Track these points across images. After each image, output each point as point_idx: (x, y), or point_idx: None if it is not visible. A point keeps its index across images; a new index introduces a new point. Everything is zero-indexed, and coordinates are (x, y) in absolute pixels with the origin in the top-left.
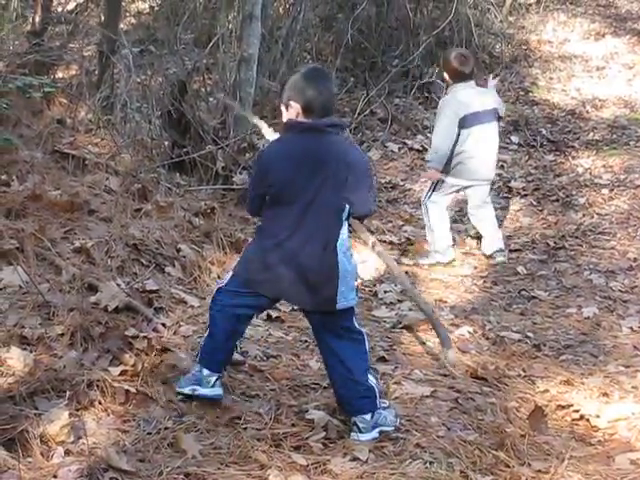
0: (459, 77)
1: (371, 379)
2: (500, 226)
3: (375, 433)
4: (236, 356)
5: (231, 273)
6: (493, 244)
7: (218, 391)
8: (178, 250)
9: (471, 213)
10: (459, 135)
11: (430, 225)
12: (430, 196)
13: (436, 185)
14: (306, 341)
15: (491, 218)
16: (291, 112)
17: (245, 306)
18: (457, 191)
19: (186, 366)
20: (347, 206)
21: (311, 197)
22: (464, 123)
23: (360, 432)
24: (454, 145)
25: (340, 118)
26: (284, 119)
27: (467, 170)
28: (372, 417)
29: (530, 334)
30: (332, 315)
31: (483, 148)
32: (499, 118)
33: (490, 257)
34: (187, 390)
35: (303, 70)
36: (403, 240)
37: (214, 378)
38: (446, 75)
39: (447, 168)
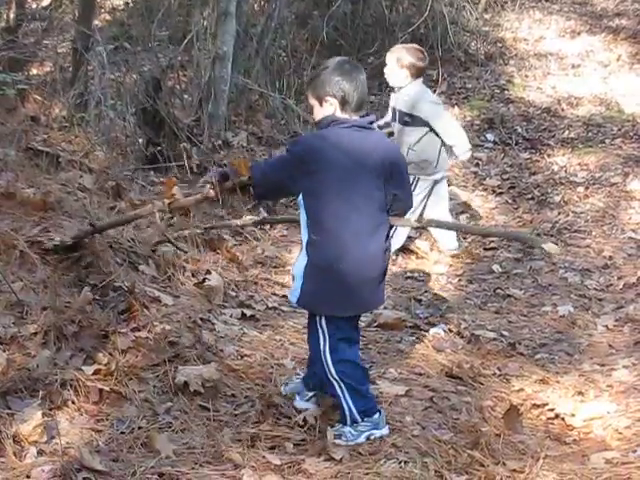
0: (419, 73)
1: None
2: (475, 224)
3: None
4: None
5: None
6: (454, 237)
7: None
8: (153, 250)
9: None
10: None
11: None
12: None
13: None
14: (280, 340)
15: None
16: (328, 108)
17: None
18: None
19: (158, 363)
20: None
21: (362, 190)
22: None
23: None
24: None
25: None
26: (318, 115)
27: (443, 159)
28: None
29: (505, 333)
30: None
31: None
32: None
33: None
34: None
35: (334, 64)
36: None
37: None
38: (403, 74)
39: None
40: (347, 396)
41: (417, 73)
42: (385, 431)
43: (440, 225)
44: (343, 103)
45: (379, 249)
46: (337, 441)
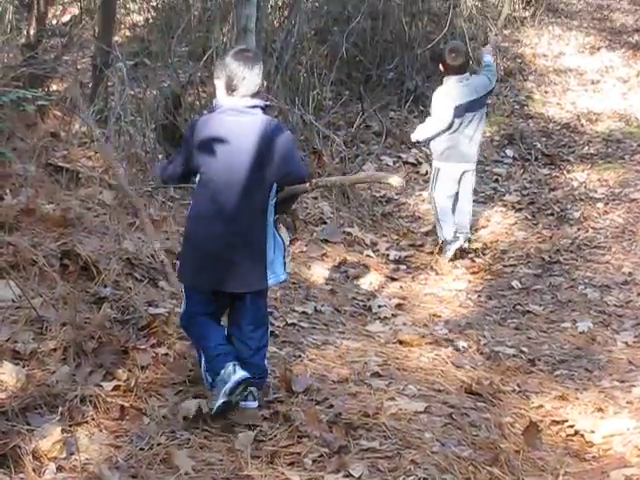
0: (451, 71)
1: None
2: (496, 240)
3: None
4: None
5: None
6: (452, 230)
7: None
8: (172, 264)
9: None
10: (452, 122)
11: (437, 215)
12: (434, 187)
13: (437, 176)
14: (300, 356)
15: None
16: (217, 91)
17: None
18: (456, 178)
19: (178, 380)
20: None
21: (234, 174)
22: (457, 112)
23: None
24: (446, 130)
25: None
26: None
27: (460, 155)
28: None
29: (525, 349)
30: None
31: (472, 135)
32: (490, 93)
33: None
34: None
35: (233, 50)
36: (398, 256)
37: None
38: (441, 67)
39: (439, 155)
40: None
41: (449, 70)
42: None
43: (327, 183)
44: (228, 87)
45: (245, 231)
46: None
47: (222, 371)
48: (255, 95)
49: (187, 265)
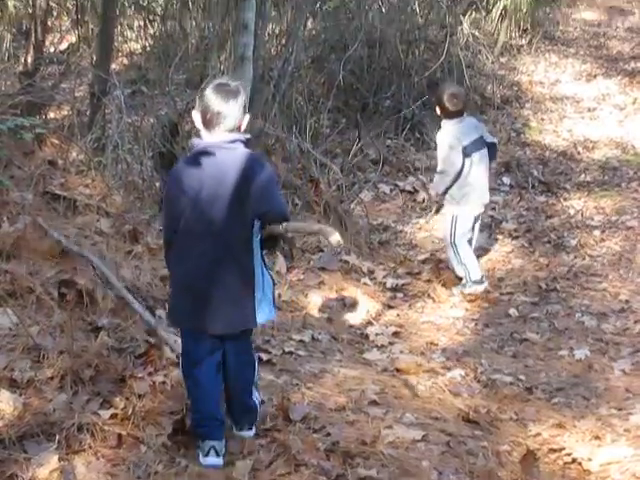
0: (449, 115)
1: None
2: (493, 268)
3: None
4: None
5: None
6: (479, 270)
7: None
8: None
9: (462, 241)
10: (463, 165)
11: (461, 260)
12: (455, 234)
13: (456, 223)
14: (297, 384)
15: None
16: (196, 124)
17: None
18: (474, 220)
19: (175, 409)
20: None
21: (213, 214)
22: (466, 152)
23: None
24: (459, 174)
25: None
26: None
27: (477, 196)
28: None
29: (522, 377)
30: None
31: (482, 174)
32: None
33: (478, 283)
34: None
35: (212, 83)
36: (395, 284)
37: None
38: (438, 110)
39: (459, 200)
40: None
41: (448, 114)
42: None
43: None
44: (203, 120)
45: (229, 269)
46: None
47: (201, 442)
48: (235, 129)
49: (174, 307)
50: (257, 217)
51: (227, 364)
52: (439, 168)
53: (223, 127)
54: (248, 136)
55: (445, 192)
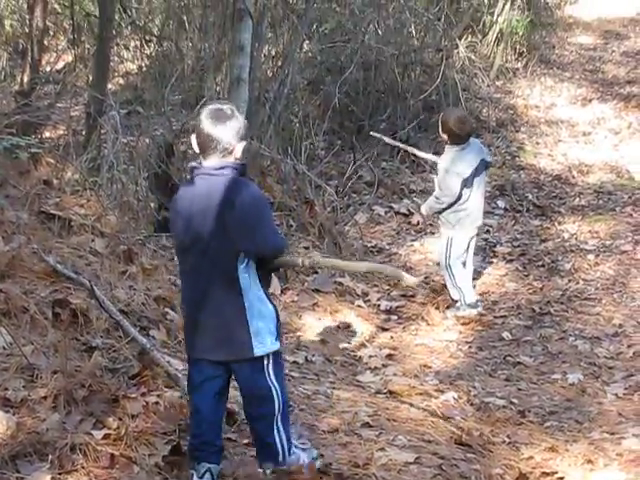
0: (456, 140)
1: None
2: (487, 291)
3: None
4: None
5: None
6: (473, 293)
7: None
8: (164, 313)
9: (457, 263)
10: (462, 194)
11: (456, 283)
12: (450, 257)
13: (451, 246)
14: (290, 405)
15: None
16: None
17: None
18: (467, 242)
19: (168, 430)
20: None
21: (204, 247)
22: (465, 184)
23: None
24: (456, 202)
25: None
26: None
27: (471, 220)
28: None
29: (515, 400)
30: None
31: (479, 199)
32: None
33: (472, 307)
34: None
35: (208, 107)
36: (389, 307)
37: None
38: (444, 135)
39: (454, 225)
40: None
41: (455, 140)
42: None
43: (324, 264)
44: (197, 144)
45: (216, 297)
46: None
47: (197, 464)
48: (228, 154)
49: (185, 333)
50: (246, 250)
51: (241, 393)
52: (435, 193)
53: (215, 151)
54: (243, 162)
55: (450, 224)
